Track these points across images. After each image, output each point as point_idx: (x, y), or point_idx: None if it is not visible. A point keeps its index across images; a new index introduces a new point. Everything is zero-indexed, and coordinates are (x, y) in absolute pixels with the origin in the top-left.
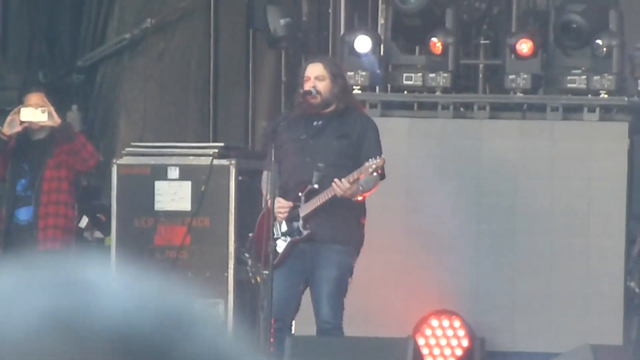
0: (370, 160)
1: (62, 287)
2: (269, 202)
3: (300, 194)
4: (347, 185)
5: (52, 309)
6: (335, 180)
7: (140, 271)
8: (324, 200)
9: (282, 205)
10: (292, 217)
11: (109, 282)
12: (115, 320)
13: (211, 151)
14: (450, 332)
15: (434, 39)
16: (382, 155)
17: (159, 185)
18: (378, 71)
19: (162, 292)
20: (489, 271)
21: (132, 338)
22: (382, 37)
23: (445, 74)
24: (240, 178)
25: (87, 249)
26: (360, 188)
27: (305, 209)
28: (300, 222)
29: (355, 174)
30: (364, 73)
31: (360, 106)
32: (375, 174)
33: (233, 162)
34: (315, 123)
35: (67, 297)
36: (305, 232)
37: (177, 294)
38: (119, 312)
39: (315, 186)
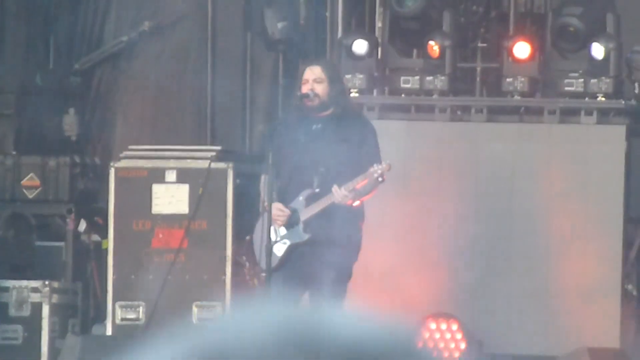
0: (375, 165)
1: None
2: (267, 205)
3: (301, 197)
4: (346, 193)
5: None
6: (335, 187)
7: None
8: (324, 205)
9: (281, 212)
10: (292, 221)
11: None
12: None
13: (209, 154)
14: (447, 335)
15: (432, 42)
16: (386, 160)
17: (157, 188)
18: (375, 74)
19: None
20: (486, 274)
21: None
22: (380, 40)
23: (443, 77)
24: (237, 181)
25: (85, 252)
26: (359, 193)
27: (306, 213)
28: (301, 226)
29: (359, 179)
30: (361, 76)
31: (358, 109)
32: (380, 179)
33: (231, 165)
34: (314, 126)
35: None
36: (306, 236)
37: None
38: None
39: (317, 190)
